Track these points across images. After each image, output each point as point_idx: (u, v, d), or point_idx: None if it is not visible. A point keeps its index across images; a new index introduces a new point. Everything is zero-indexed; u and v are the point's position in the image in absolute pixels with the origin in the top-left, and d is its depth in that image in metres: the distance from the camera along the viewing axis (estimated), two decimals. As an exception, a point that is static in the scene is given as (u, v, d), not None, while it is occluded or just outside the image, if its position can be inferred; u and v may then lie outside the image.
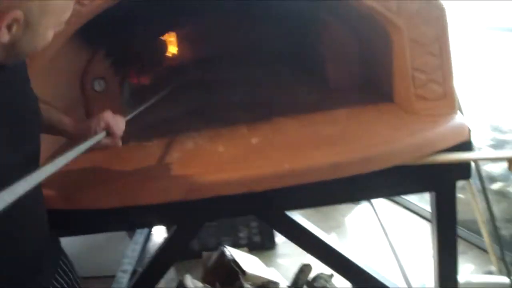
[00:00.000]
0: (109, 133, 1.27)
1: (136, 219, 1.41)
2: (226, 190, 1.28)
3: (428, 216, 2.76)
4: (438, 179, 1.46)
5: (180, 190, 1.28)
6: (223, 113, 1.77)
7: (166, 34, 2.41)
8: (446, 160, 1.34)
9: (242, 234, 2.89)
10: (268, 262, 2.74)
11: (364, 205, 3.14)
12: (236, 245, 2.60)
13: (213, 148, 1.47)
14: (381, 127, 1.45)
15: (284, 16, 1.88)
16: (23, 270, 1.08)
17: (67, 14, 1.02)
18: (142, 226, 2.40)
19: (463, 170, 1.44)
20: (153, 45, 2.24)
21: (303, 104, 1.77)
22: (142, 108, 1.61)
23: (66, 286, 1.22)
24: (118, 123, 1.31)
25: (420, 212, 2.98)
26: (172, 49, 2.56)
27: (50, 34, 1.00)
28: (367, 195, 1.65)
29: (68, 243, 1.35)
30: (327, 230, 3.04)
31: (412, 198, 3.08)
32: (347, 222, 3.13)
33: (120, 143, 1.32)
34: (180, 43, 2.54)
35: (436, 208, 1.53)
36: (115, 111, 1.31)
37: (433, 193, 1.52)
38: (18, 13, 0.90)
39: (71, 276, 1.26)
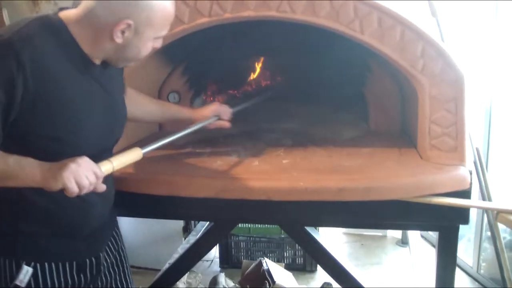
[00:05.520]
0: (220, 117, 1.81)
1: (180, 210, 1.74)
2: (250, 195, 1.58)
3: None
4: (440, 221, 1.66)
5: (214, 188, 1.60)
6: (271, 136, 2.07)
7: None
8: (439, 202, 1.54)
9: (287, 254, 3.15)
10: (304, 283, 2.97)
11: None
12: (279, 262, 2.87)
13: (250, 162, 1.77)
14: (393, 166, 1.68)
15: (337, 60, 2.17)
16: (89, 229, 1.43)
17: (164, 32, 1.33)
18: (187, 218, 2.82)
19: (462, 215, 1.63)
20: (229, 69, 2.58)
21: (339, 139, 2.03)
22: (245, 105, 2.05)
23: (113, 249, 1.57)
24: (226, 111, 1.83)
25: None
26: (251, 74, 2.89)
27: (149, 45, 1.32)
28: (373, 224, 1.89)
29: (131, 234, 1.64)
30: (368, 265, 3.23)
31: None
32: (389, 260, 3.29)
33: (228, 124, 1.84)
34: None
35: (438, 246, 1.73)
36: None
37: (437, 233, 1.73)
38: (130, 21, 1.23)
39: (120, 245, 1.61)
